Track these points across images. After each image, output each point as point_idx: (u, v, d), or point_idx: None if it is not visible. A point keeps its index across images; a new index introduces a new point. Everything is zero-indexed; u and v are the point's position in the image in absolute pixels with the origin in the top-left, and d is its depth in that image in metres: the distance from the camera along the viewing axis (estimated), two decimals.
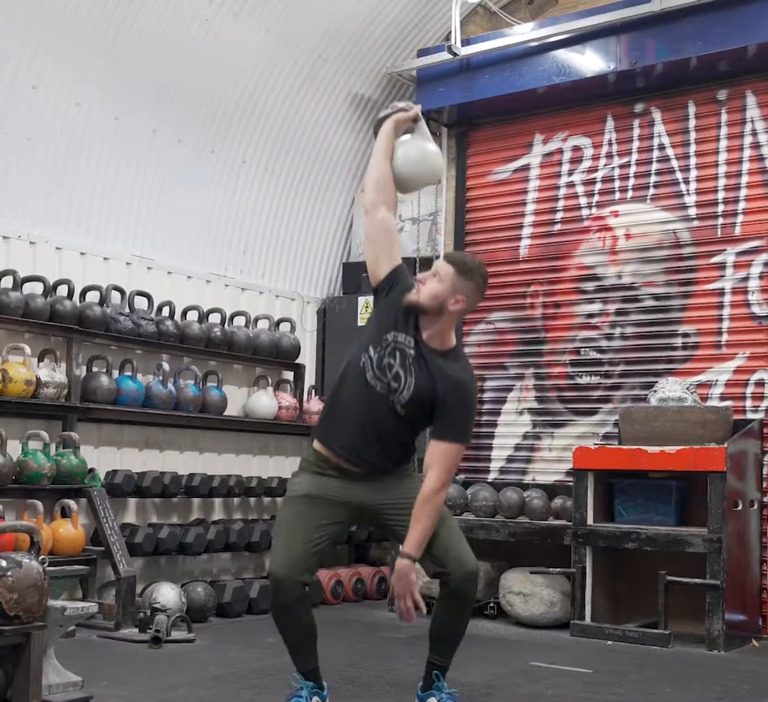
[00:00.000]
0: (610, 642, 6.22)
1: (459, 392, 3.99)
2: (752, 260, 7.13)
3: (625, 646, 6.13)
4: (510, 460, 8.00)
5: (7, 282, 6.36)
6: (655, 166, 7.59)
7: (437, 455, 3.97)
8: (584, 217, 7.87)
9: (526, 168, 8.18)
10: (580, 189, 7.90)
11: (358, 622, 6.73)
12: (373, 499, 4.06)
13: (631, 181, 7.68)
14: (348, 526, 4.30)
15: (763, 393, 6.91)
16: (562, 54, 7.55)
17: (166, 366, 7.09)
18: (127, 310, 6.98)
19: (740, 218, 7.20)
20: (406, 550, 3.94)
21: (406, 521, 3.96)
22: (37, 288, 6.51)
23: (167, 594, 6.28)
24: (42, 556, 4.12)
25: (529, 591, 6.76)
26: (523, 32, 7.74)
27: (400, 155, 4.22)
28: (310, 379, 8.42)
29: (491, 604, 7.01)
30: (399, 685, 4.74)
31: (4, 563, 3.91)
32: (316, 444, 4.16)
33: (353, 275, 8.66)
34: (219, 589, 6.76)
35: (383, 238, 4.14)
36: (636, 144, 7.68)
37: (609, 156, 7.79)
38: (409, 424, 4.06)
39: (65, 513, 6.20)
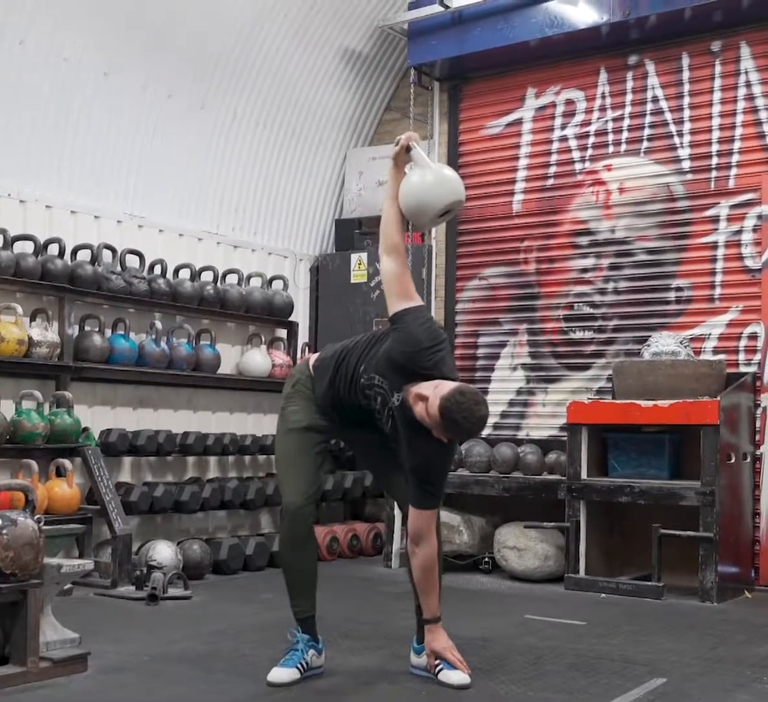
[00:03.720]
0: (603, 595, 6.27)
1: (427, 470, 3.99)
2: (746, 213, 7.10)
3: (619, 598, 6.18)
4: (504, 415, 8.02)
5: None
6: (648, 119, 7.53)
7: (422, 524, 4.03)
8: (577, 171, 7.83)
9: (518, 122, 8.12)
10: (573, 143, 7.85)
11: (353, 577, 6.76)
12: (359, 435, 4.27)
13: (625, 135, 7.62)
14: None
15: (756, 346, 6.91)
16: (555, 6, 7.45)
17: (158, 324, 7.07)
18: (118, 268, 6.95)
19: (734, 171, 7.16)
20: (435, 615, 4.12)
21: (386, 459, 4.18)
22: (28, 247, 6.47)
23: (163, 552, 6.31)
24: (37, 515, 4.13)
25: (523, 545, 6.80)
26: None
27: (400, 194, 4.09)
28: (303, 336, 8.41)
29: (486, 559, 7.05)
30: (394, 638, 4.77)
31: None
32: (312, 365, 4.25)
33: (346, 232, 8.62)
34: (215, 546, 6.79)
35: (386, 285, 4.07)
36: (629, 97, 7.62)
37: (602, 109, 7.73)
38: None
39: (60, 472, 6.21)
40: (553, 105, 7.95)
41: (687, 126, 7.37)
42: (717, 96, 7.27)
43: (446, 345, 3.99)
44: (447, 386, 3.75)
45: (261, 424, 8.08)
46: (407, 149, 4.11)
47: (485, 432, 7.88)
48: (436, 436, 3.83)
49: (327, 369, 4.17)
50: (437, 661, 4.09)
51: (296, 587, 4.18)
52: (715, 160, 7.24)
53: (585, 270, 7.74)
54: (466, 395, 3.72)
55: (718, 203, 7.22)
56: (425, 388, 3.78)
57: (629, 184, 7.58)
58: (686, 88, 7.39)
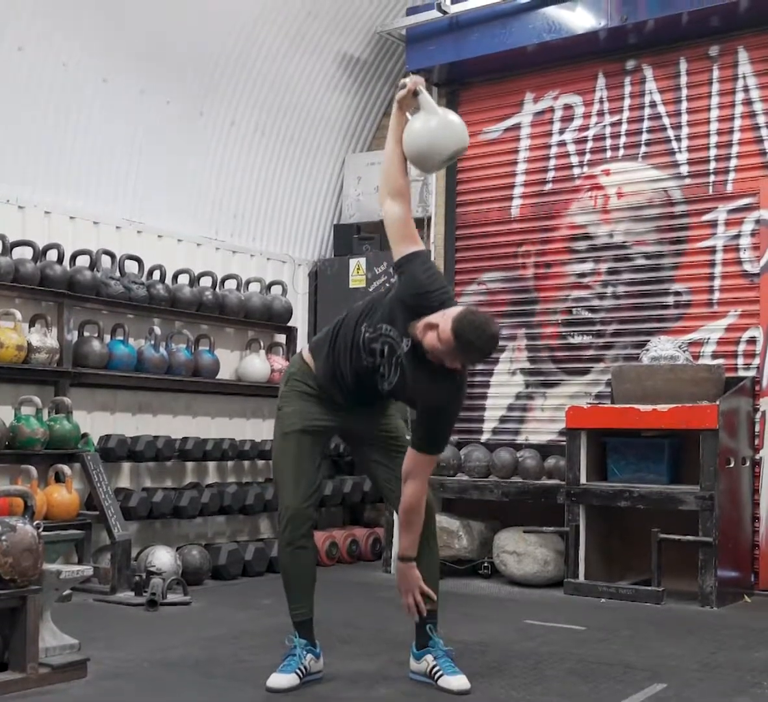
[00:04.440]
0: (603, 599, 6.27)
1: (439, 415, 3.99)
2: (744, 218, 7.10)
3: (619, 603, 6.18)
4: (503, 420, 8.01)
5: None
6: (646, 124, 7.54)
7: (417, 466, 4.01)
8: (575, 175, 7.83)
9: (517, 127, 8.12)
10: (571, 147, 7.86)
11: (353, 582, 6.76)
12: (355, 427, 4.23)
13: (623, 139, 7.63)
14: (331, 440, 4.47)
15: (754, 350, 6.91)
16: (553, 11, 7.47)
17: (157, 330, 7.08)
18: (117, 274, 6.95)
19: (732, 175, 7.17)
20: (404, 554, 4.09)
21: (381, 455, 4.19)
22: (27, 253, 6.47)
23: (162, 557, 6.31)
24: (36, 521, 4.13)
25: (522, 550, 6.79)
26: None
27: (405, 136, 4.06)
28: (302, 341, 8.40)
29: (485, 564, 7.05)
30: (393, 643, 4.77)
31: None
32: (306, 355, 4.24)
33: (344, 237, 8.63)
34: (214, 551, 6.79)
35: (390, 228, 4.06)
36: (627, 101, 7.63)
37: (600, 114, 7.74)
38: (391, 395, 4.12)
39: (59, 478, 6.21)
40: (551, 110, 7.96)
41: (685, 131, 7.38)
42: (715, 101, 7.27)
43: (450, 289, 4.07)
44: (455, 310, 3.79)
45: (260, 429, 8.08)
46: (414, 93, 4.07)
47: (483, 437, 7.93)
48: (449, 365, 3.81)
49: (324, 342, 4.17)
50: (436, 666, 4.08)
51: (294, 590, 4.18)
52: (713, 165, 7.25)
53: (583, 275, 7.74)
54: (477, 314, 3.79)
55: (716, 208, 7.22)
56: (433, 317, 3.79)
57: (627, 188, 7.59)
58: (684, 92, 7.39)
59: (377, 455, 4.25)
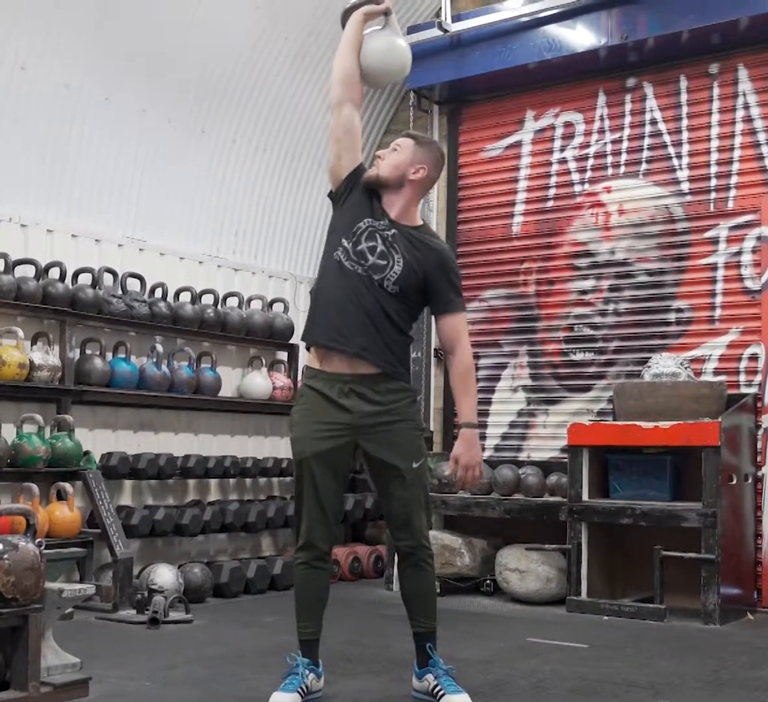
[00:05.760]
0: (606, 617, 6.25)
1: (448, 262, 4.15)
2: (745, 234, 7.12)
3: (621, 621, 6.16)
4: (505, 437, 8.01)
5: None
6: (647, 141, 7.56)
7: (456, 327, 4.14)
8: (577, 193, 7.86)
9: (518, 144, 8.15)
10: (572, 165, 7.88)
11: (355, 600, 6.75)
12: (365, 423, 4.04)
13: (624, 157, 7.66)
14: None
15: (756, 367, 6.92)
16: (553, 29, 7.50)
17: (159, 348, 7.09)
18: (119, 292, 6.97)
19: (733, 192, 7.19)
20: (468, 420, 4.10)
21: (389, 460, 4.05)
22: (29, 271, 6.49)
23: (164, 575, 6.29)
24: (38, 539, 4.13)
25: (525, 567, 6.78)
26: (513, 7, 7.66)
27: (369, 47, 4.17)
28: (304, 359, 8.32)
29: (487, 581, 7.03)
30: (396, 662, 4.76)
31: (0, 546, 3.91)
32: (310, 356, 4.22)
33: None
34: (216, 569, 6.77)
35: (347, 137, 4.15)
36: (628, 119, 7.66)
37: (601, 131, 7.77)
38: (400, 302, 4.09)
39: (61, 496, 6.21)
40: (552, 128, 7.99)
41: (686, 148, 7.40)
42: (715, 118, 7.30)
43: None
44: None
45: (262, 446, 8.09)
46: (386, 12, 4.21)
47: (486, 454, 7.92)
48: (413, 176, 4.07)
49: (313, 300, 4.27)
50: (438, 685, 4.06)
51: (304, 608, 4.15)
52: (714, 182, 7.27)
53: (585, 292, 7.76)
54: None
55: (718, 225, 7.24)
56: (380, 153, 4.17)
57: (628, 206, 7.61)
58: (684, 110, 7.42)
59: (393, 488, 4.12)
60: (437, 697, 4.05)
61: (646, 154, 7.57)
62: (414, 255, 4.08)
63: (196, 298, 7.51)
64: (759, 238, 7.01)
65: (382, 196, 4.15)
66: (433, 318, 4.45)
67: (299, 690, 4.02)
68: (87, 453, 6.49)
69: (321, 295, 4.19)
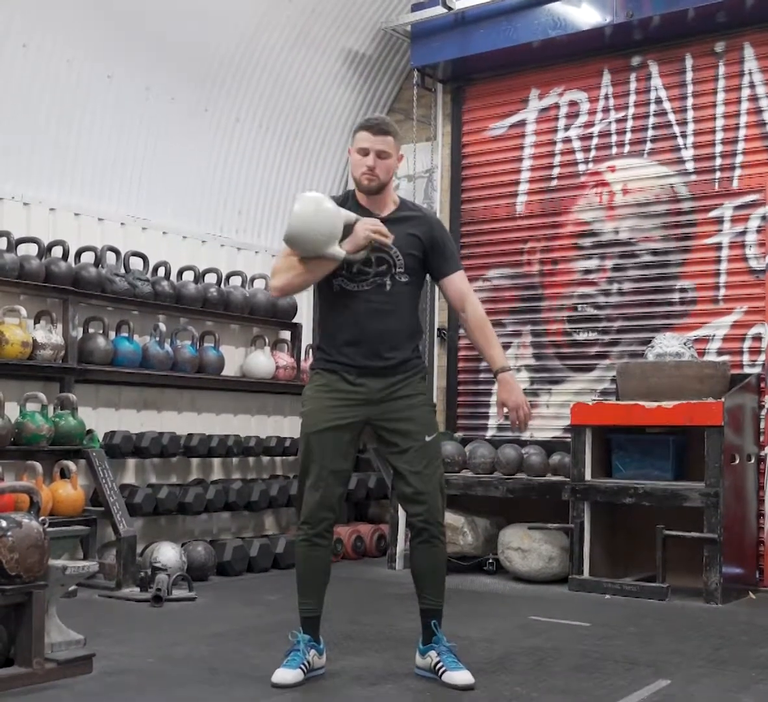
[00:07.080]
0: (608, 596, 6.27)
1: (435, 228, 4.24)
2: (750, 214, 7.09)
3: (623, 599, 6.18)
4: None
5: (2, 244, 6.34)
6: (652, 120, 7.53)
7: (459, 286, 4.28)
8: (581, 172, 7.83)
9: (522, 123, 8.12)
10: (576, 144, 7.85)
11: (358, 579, 6.77)
12: (380, 397, 4.11)
13: (628, 136, 7.62)
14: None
15: (760, 347, 6.91)
16: (558, 7, 7.46)
17: (162, 327, 7.08)
18: (122, 270, 6.96)
19: (738, 172, 7.16)
20: (502, 365, 4.31)
21: (403, 450, 4.09)
22: (32, 249, 6.48)
23: (167, 553, 6.32)
24: (42, 517, 4.14)
25: (527, 546, 6.79)
26: None
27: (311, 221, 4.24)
28: (307, 338, 8.41)
29: (490, 560, 7.05)
30: (399, 640, 4.78)
31: (4, 523, 3.93)
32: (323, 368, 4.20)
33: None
34: (219, 548, 6.79)
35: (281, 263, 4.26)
36: (633, 98, 7.62)
37: (605, 110, 7.73)
38: (412, 285, 4.19)
39: (64, 474, 6.23)
40: (557, 106, 7.95)
41: (691, 127, 7.37)
42: (721, 97, 7.27)
43: None
44: None
45: (265, 425, 8.09)
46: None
47: (488, 433, 7.93)
48: (374, 147, 4.11)
49: (322, 322, 4.31)
50: (439, 662, 4.07)
51: (306, 585, 4.16)
52: (719, 161, 7.24)
53: (589, 271, 7.74)
54: None
55: (722, 204, 7.21)
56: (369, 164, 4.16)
57: (633, 185, 7.58)
58: (690, 89, 7.39)
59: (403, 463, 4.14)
60: (439, 674, 4.07)
61: (650, 133, 7.53)
62: (406, 239, 4.13)
63: (199, 277, 7.50)
64: (763, 218, 6.99)
65: (366, 198, 4.24)
66: (436, 291, 4.51)
67: (301, 667, 4.04)
68: (90, 431, 6.50)
69: (332, 322, 4.20)
